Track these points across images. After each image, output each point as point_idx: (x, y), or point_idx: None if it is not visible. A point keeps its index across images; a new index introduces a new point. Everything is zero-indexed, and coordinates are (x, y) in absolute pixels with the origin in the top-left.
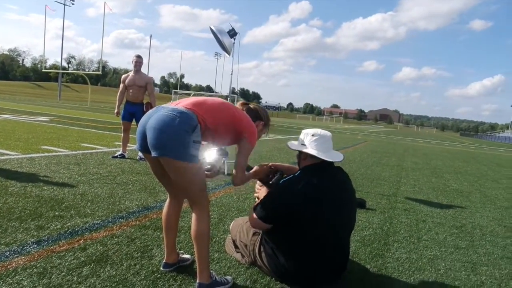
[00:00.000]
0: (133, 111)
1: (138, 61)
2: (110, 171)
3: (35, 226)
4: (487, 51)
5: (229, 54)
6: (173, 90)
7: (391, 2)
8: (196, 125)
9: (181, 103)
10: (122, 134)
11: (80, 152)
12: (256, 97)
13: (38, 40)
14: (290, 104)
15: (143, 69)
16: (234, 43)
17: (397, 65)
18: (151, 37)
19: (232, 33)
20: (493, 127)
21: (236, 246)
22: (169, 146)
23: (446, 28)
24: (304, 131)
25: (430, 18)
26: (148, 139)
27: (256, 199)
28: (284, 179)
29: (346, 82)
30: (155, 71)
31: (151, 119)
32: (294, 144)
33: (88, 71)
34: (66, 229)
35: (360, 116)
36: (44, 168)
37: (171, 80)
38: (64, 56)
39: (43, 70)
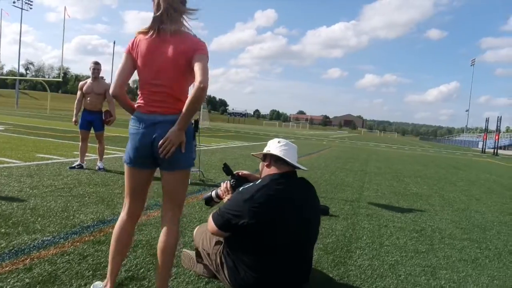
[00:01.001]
0: (91, 120)
1: (96, 67)
2: (66, 183)
3: None
4: (443, 59)
5: None
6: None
7: (353, 11)
8: (194, 127)
9: (157, 105)
10: (80, 144)
11: (35, 163)
12: (222, 104)
13: None
14: (257, 110)
15: (107, 76)
16: None
17: (360, 72)
18: (114, 43)
19: None
20: (450, 131)
21: (198, 255)
22: (184, 159)
23: (405, 36)
24: (270, 141)
25: (390, 27)
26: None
27: (212, 194)
28: (244, 186)
29: (311, 88)
30: None
31: (159, 138)
32: (263, 152)
33: (48, 77)
34: (11, 247)
35: (325, 122)
36: None
37: (136, 86)
38: (22, 62)
39: None
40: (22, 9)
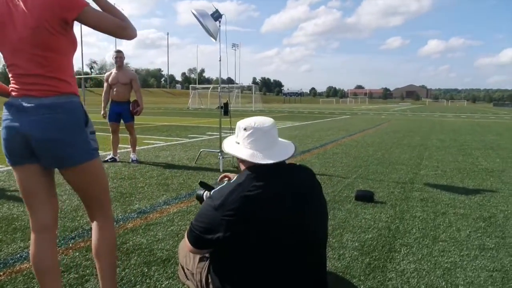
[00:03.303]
0: (119, 111)
1: (118, 56)
2: None
3: None
4: None
5: (215, 39)
6: (191, 86)
7: None
8: (84, 111)
9: (27, 88)
10: (111, 136)
11: None
12: (277, 85)
13: None
14: (313, 89)
15: (163, 67)
16: (219, 26)
17: (423, 38)
18: (168, 34)
19: (216, 15)
20: None
21: (186, 274)
22: (70, 153)
23: None
24: (237, 124)
25: None
26: (39, 152)
27: (205, 195)
28: (217, 187)
29: (369, 61)
30: (177, 68)
31: (30, 126)
32: (228, 144)
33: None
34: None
35: (386, 95)
36: None
37: (192, 75)
38: (87, 62)
39: None
40: None
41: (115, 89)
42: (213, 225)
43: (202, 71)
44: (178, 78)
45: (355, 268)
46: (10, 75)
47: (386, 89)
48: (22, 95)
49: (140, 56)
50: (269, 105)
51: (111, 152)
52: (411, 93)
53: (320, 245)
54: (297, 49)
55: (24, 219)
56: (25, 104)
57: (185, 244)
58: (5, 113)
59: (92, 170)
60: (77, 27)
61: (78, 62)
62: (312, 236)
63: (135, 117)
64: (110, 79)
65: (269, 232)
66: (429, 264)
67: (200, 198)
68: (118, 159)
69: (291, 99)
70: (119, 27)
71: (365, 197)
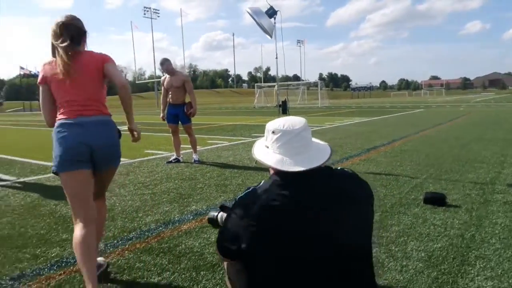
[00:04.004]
0: (175, 113)
1: (163, 69)
2: (155, 179)
3: (32, 255)
4: None
5: (270, 37)
6: (256, 84)
7: None
8: (117, 127)
9: (89, 109)
10: (172, 138)
11: (138, 160)
12: (345, 79)
13: (137, 55)
14: (383, 82)
15: (230, 67)
16: (275, 23)
17: (507, 21)
18: (233, 35)
19: (271, 12)
20: None
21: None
22: (115, 158)
23: None
24: (266, 126)
25: None
26: (98, 157)
27: (218, 217)
28: (242, 193)
29: (445, 49)
30: (243, 68)
31: (92, 137)
32: (257, 149)
33: None
34: (58, 258)
35: (465, 85)
36: None
37: (258, 74)
38: (159, 66)
39: (136, 82)
40: (151, 18)
41: (170, 93)
42: (237, 234)
43: (268, 69)
44: (245, 77)
45: (419, 283)
46: (65, 104)
47: (465, 79)
48: (77, 115)
49: (207, 58)
50: (336, 100)
51: (175, 153)
52: (495, 82)
53: (358, 259)
54: (364, 41)
55: None
56: (84, 121)
57: None
58: (64, 129)
59: (115, 170)
60: (155, 33)
61: (151, 67)
62: (345, 250)
63: (194, 117)
64: (165, 84)
65: (295, 245)
66: (511, 281)
67: (212, 221)
68: (181, 160)
69: (360, 94)
70: (123, 87)
71: (436, 199)
